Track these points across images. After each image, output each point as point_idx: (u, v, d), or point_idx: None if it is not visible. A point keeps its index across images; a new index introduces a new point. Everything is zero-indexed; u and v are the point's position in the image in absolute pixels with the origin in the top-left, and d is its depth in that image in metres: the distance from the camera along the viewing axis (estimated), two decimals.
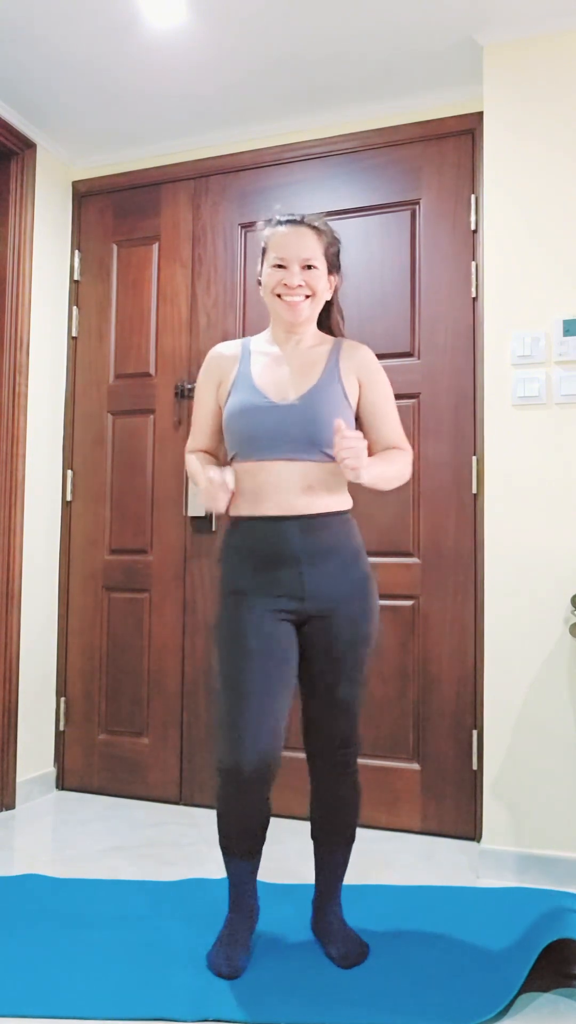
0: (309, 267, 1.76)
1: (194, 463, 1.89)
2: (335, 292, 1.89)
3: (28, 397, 2.98)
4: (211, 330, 3.00)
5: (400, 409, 2.72)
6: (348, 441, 1.62)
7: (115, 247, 3.18)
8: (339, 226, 2.84)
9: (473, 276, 2.68)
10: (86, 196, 3.22)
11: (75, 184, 3.22)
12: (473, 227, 2.69)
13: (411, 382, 2.74)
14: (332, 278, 1.85)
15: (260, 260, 1.84)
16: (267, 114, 2.88)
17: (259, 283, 1.86)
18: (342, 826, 1.86)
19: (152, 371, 3.09)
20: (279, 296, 1.78)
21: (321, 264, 1.78)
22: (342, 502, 1.82)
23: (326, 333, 1.92)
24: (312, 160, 2.90)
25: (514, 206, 2.42)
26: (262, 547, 1.76)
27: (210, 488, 1.71)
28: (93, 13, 2.37)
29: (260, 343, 1.89)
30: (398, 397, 2.75)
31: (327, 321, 1.92)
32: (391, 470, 1.81)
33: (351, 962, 1.79)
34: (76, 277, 3.21)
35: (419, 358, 2.75)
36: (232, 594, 1.79)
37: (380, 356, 2.73)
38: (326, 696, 1.81)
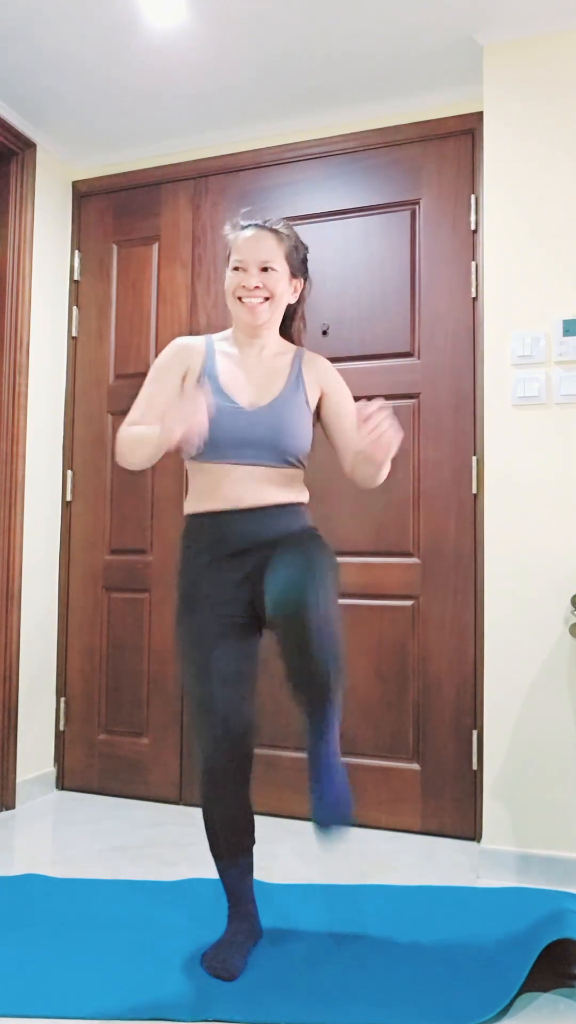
0: (267, 269, 1.78)
1: (139, 428, 1.77)
2: (301, 298, 1.90)
3: (28, 397, 2.98)
4: (211, 330, 3.00)
5: (400, 409, 2.74)
6: (380, 422, 1.55)
7: (115, 247, 3.18)
8: (339, 226, 2.85)
9: (473, 276, 2.68)
10: (86, 196, 3.22)
11: (75, 184, 3.22)
12: (473, 227, 2.69)
13: (411, 382, 2.74)
14: (295, 282, 1.86)
15: (226, 264, 1.85)
16: (267, 114, 2.88)
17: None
18: (317, 690, 1.59)
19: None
20: (239, 299, 1.79)
21: (281, 267, 1.80)
22: (297, 496, 1.83)
23: (287, 340, 1.93)
24: (312, 160, 2.90)
25: (514, 206, 2.42)
26: (214, 541, 1.77)
27: (190, 403, 1.57)
28: (93, 13, 2.37)
29: (223, 344, 1.88)
30: (398, 397, 2.76)
31: (288, 329, 1.93)
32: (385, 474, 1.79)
33: (333, 821, 1.59)
34: (76, 277, 3.22)
35: (419, 358, 2.75)
36: (189, 594, 1.80)
37: (380, 356, 2.77)
38: (275, 568, 1.61)
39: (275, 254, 1.79)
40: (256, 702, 1.83)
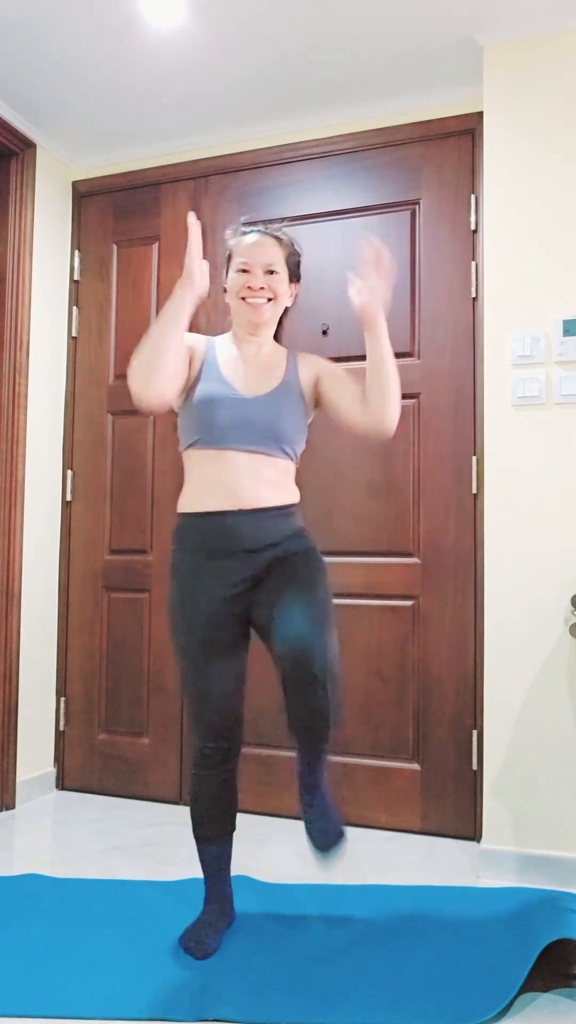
0: (271, 272, 1.88)
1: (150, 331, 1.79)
2: (294, 300, 1.99)
3: (28, 397, 2.98)
4: (211, 330, 3.00)
5: (400, 409, 2.73)
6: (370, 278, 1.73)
7: (115, 247, 3.18)
8: (339, 226, 2.85)
9: (473, 276, 2.68)
10: (86, 196, 3.22)
11: (75, 184, 3.22)
12: (473, 227, 2.69)
13: (411, 382, 2.74)
14: (293, 286, 1.96)
15: (225, 268, 1.95)
16: (267, 114, 2.88)
17: (224, 290, 1.95)
18: (313, 731, 1.68)
19: None
20: (243, 299, 1.88)
21: (282, 270, 1.90)
22: (291, 496, 1.90)
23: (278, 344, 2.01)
24: (312, 160, 2.90)
25: (514, 206, 2.42)
26: (209, 542, 1.83)
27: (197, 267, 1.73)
28: (93, 13, 2.37)
29: (222, 342, 1.96)
30: None
31: (278, 332, 2.02)
32: (392, 361, 1.85)
33: (330, 842, 1.73)
34: (76, 277, 3.22)
35: (419, 358, 2.75)
36: (183, 588, 1.86)
37: None
38: (286, 608, 1.70)
39: (278, 257, 1.89)
40: (244, 695, 1.93)
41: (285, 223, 2.83)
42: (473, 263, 2.68)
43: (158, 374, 1.72)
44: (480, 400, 2.65)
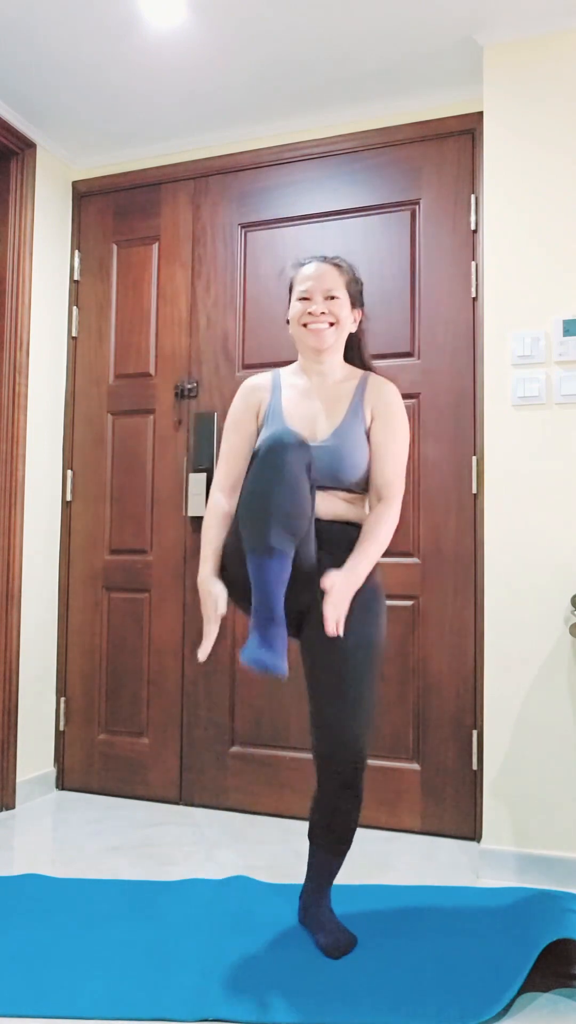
0: (331, 297, 1.90)
1: (211, 529, 1.88)
2: (361, 328, 2.01)
3: (28, 397, 2.98)
4: (211, 330, 3.00)
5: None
6: (330, 607, 1.70)
7: (115, 247, 3.18)
8: (339, 226, 2.85)
9: (473, 276, 2.68)
10: (86, 196, 3.22)
11: (75, 184, 3.22)
12: (473, 227, 2.69)
13: (411, 382, 2.74)
14: (355, 312, 1.97)
15: (287, 300, 1.98)
16: (267, 114, 2.88)
17: (287, 322, 1.97)
18: (340, 833, 1.86)
19: (152, 371, 3.09)
20: (305, 325, 1.90)
21: (343, 296, 1.92)
22: (358, 518, 1.92)
23: (356, 367, 2.02)
24: (312, 160, 2.90)
25: (514, 206, 2.42)
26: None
27: (211, 612, 1.80)
28: (93, 13, 2.37)
29: (289, 375, 1.99)
30: None
31: (356, 356, 2.03)
32: (366, 561, 1.80)
33: (341, 952, 1.82)
34: (76, 277, 3.22)
35: (419, 358, 2.75)
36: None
37: (380, 356, 2.76)
38: (323, 694, 1.81)
39: (338, 283, 1.91)
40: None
41: (285, 224, 2.83)
42: (473, 263, 2.68)
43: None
44: (480, 400, 2.65)
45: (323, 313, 1.89)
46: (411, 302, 2.76)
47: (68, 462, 3.19)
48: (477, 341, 2.67)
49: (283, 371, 2.00)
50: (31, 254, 2.98)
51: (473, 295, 2.68)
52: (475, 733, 2.61)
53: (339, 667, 1.79)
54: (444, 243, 2.73)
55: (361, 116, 2.84)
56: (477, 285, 2.67)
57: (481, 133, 2.65)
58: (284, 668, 1.63)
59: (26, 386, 2.96)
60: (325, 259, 1.94)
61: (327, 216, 2.88)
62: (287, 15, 2.37)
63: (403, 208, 2.79)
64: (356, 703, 1.80)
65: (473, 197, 2.69)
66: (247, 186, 2.98)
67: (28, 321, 2.97)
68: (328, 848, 1.88)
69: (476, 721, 2.61)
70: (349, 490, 1.88)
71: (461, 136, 2.72)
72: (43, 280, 3.07)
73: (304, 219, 2.90)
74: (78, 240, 3.23)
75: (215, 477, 1.96)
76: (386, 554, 2.73)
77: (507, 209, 2.43)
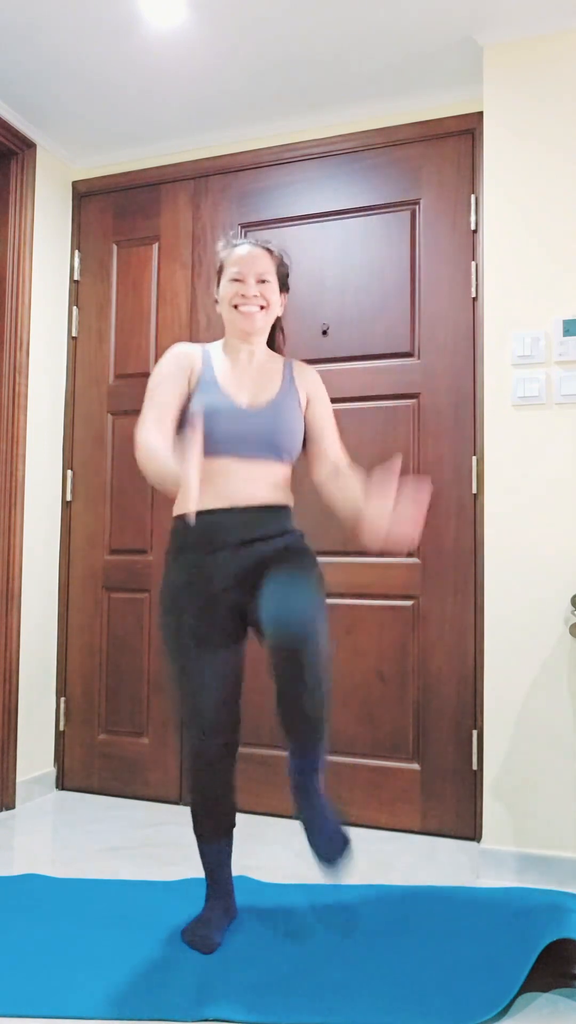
0: (263, 281, 1.93)
1: (158, 451, 1.79)
2: (284, 309, 2.04)
3: (28, 397, 2.98)
4: (211, 330, 3.00)
5: (400, 409, 2.74)
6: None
7: (115, 247, 3.18)
8: (339, 226, 2.85)
9: (473, 276, 2.68)
10: (86, 196, 3.22)
11: (75, 184, 3.22)
12: (473, 227, 2.69)
13: (411, 382, 2.74)
14: (282, 296, 2.01)
15: (216, 278, 2.00)
16: (267, 114, 2.88)
17: (215, 301, 2.00)
18: (305, 722, 1.70)
19: (152, 371, 3.09)
20: (236, 307, 1.93)
21: (273, 280, 1.95)
22: (285, 499, 1.95)
23: (273, 351, 2.06)
24: (312, 160, 2.90)
25: (514, 206, 2.42)
26: (201, 538, 1.86)
27: (189, 491, 1.72)
28: (93, 14, 2.37)
29: (217, 350, 2.00)
30: (398, 397, 2.76)
31: (272, 340, 2.07)
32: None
33: (336, 855, 1.72)
34: (76, 277, 3.22)
35: (419, 358, 2.75)
36: (175, 584, 1.88)
37: (380, 356, 2.78)
38: (274, 590, 1.72)
39: (269, 267, 1.94)
40: (242, 695, 1.94)
41: (285, 224, 2.84)
42: (473, 263, 2.68)
43: (148, 474, 1.81)
44: (480, 400, 2.65)
45: (255, 296, 1.91)
46: (411, 302, 2.76)
47: (68, 462, 3.19)
48: (477, 341, 2.67)
49: (210, 347, 2.00)
50: (31, 254, 2.98)
51: (473, 295, 2.68)
52: (475, 733, 2.61)
53: (286, 574, 1.76)
54: (444, 243, 2.73)
55: (361, 116, 2.84)
56: (477, 285, 2.67)
57: (481, 133, 2.65)
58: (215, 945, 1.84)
59: (26, 386, 2.96)
60: (257, 242, 1.97)
61: (327, 216, 2.88)
62: (287, 15, 2.37)
63: (403, 208, 2.79)
64: (302, 590, 1.72)
65: (473, 197, 2.69)
66: (247, 186, 2.98)
67: (28, 321, 2.97)
68: (298, 732, 1.71)
69: (476, 721, 2.61)
70: (280, 460, 1.90)
71: (461, 136, 2.72)
72: (43, 280, 3.07)
73: (304, 219, 2.90)
74: (78, 240, 3.23)
75: (140, 417, 1.88)
76: (386, 554, 2.74)
77: (507, 209, 2.43)
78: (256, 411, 1.89)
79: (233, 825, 1.96)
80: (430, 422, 2.72)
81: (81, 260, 3.22)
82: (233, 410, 1.87)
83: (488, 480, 2.41)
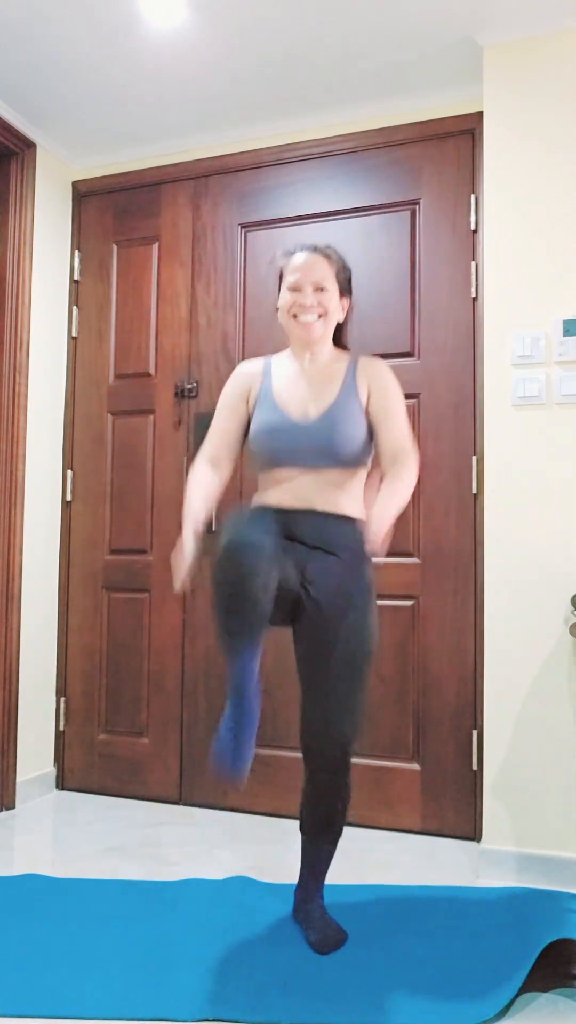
0: (321, 289, 1.91)
1: (194, 501, 1.89)
2: (348, 315, 2.03)
3: (28, 397, 2.98)
4: (211, 330, 3.00)
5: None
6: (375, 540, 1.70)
7: (115, 247, 3.18)
8: (339, 226, 2.85)
9: (473, 276, 2.68)
10: (86, 196, 3.22)
11: (75, 184, 3.22)
12: (473, 227, 2.69)
13: (411, 382, 2.74)
14: (344, 301, 1.99)
15: (278, 287, 1.99)
16: (267, 114, 2.88)
17: (276, 309, 1.99)
18: (329, 821, 1.92)
19: (152, 371, 3.09)
20: (294, 316, 1.92)
21: (332, 287, 1.93)
22: (356, 510, 1.91)
23: (342, 350, 2.04)
24: (312, 160, 2.90)
25: (514, 206, 2.42)
26: (277, 522, 1.85)
27: (180, 563, 1.81)
28: (93, 13, 2.37)
29: (280, 360, 2.02)
30: None
31: (341, 340, 2.05)
32: (397, 500, 1.81)
33: (329, 948, 1.84)
34: (76, 277, 3.22)
35: (419, 358, 2.75)
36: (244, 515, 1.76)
37: (380, 356, 2.75)
38: (313, 684, 1.86)
39: (327, 274, 1.92)
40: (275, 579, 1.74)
41: (285, 224, 2.84)
42: (473, 263, 2.68)
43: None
44: (480, 400, 2.65)
45: (312, 306, 1.90)
46: (411, 302, 2.76)
47: (68, 462, 3.19)
48: (477, 341, 2.67)
49: (275, 357, 2.04)
50: (31, 254, 2.98)
51: (473, 295, 2.68)
52: (475, 733, 2.61)
53: (330, 663, 1.84)
54: (444, 243, 2.73)
55: (361, 116, 2.84)
56: (477, 285, 2.67)
57: (481, 133, 2.65)
58: (244, 778, 1.76)
59: (26, 386, 2.96)
60: (315, 248, 1.95)
61: (327, 216, 2.88)
62: (287, 15, 2.37)
63: (403, 208, 2.79)
64: (345, 700, 1.85)
65: (473, 197, 2.69)
66: (247, 186, 2.98)
67: (28, 321, 2.97)
68: (319, 837, 1.93)
69: (476, 721, 2.61)
70: (344, 466, 1.88)
71: (461, 136, 2.72)
72: (43, 280, 3.07)
73: (304, 219, 2.90)
74: (78, 240, 3.23)
75: (201, 449, 2.01)
76: (386, 554, 2.74)
77: (507, 209, 2.43)
78: (311, 422, 1.88)
79: (263, 627, 1.72)
80: (430, 422, 2.72)
81: (81, 260, 3.22)
82: (288, 425, 1.88)
83: (488, 480, 2.41)
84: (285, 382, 1.95)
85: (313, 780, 1.90)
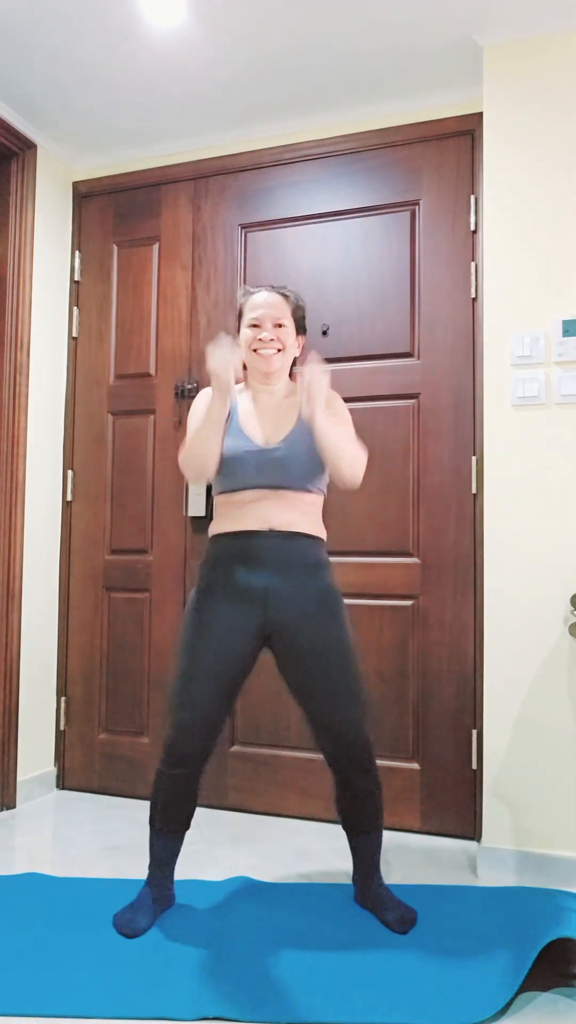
0: (279, 325, 2.06)
1: (203, 414, 2.01)
2: (303, 350, 2.17)
3: (28, 397, 2.98)
4: (211, 330, 3.01)
5: (400, 409, 2.74)
6: (313, 376, 1.85)
7: (115, 248, 3.18)
8: (339, 226, 2.86)
9: (473, 276, 2.68)
10: (86, 197, 3.22)
11: (75, 184, 3.23)
12: (473, 227, 2.69)
13: (411, 382, 2.74)
14: (299, 339, 2.14)
15: (237, 324, 2.13)
16: (267, 114, 2.88)
17: (237, 344, 2.10)
18: (370, 813, 2.04)
19: (152, 371, 3.09)
20: (255, 351, 2.06)
21: (289, 324, 2.08)
22: (315, 530, 2.05)
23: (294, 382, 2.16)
24: (312, 161, 2.90)
25: (514, 207, 2.42)
26: (236, 555, 2.00)
27: (224, 360, 1.88)
28: (93, 14, 2.38)
29: (241, 393, 2.15)
30: (398, 397, 2.77)
31: (295, 375, 2.15)
32: (338, 431, 1.97)
33: (407, 925, 1.95)
34: (76, 278, 3.22)
35: (419, 358, 2.75)
36: (200, 592, 2.03)
37: (380, 356, 2.78)
38: (316, 701, 2.00)
39: (285, 312, 2.07)
40: (235, 703, 2.06)
41: (285, 224, 2.84)
42: (473, 263, 2.69)
43: (206, 470, 1.97)
44: (480, 400, 2.65)
45: (272, 340, 2.04)
46: (411, 302, 2.77)
47: (68, 462, 3.19)
48: (477, 341, 2.67)
49: (235, 388, 2.13)
50: (31, 255, 2.98)
51: (473, 295, 2.68)
52: (475, 733, 2.61)
53: (329, 676, 1.97)
54: (444, 244, 2.73)
55: (361, 117, 2.84)
56: (477, 285, 2.67)
57: (481, 134, 2.65)
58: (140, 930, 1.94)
59: (26, 386, 2.96)
60: (273, 288, 2.09)
61: (327, 217, 2.88)
62: (287, 16, 2.37)
63: (403, 209, 2.80)
64: (354, 701, 1.99)
65: (473, 198, 2.69)
66: (247, 187, 2.99)
67: (28, 321, 2.97)
68: (366, 830, 2.04)
69: (476, 721, 2.62)
70: (303, 489, 2.01)
71: (460, 137, 2.72)
72: (43, 281, 3.07)
73: (304, 220, 2.91)
74: (78, 241, 3.23)
75: (182, 446, 2.10)
76: (386, 554, 2.74)
77: (507, 209, 2.43)
78: (272, 448, 2.01)
79: (188, 827, 2.04)
80: (430, 422, 2.72)
81: (81, 260, 3.22)
82: (255, 449, 2.00)
83: (488, 480, 2.42)
84: (247, 411, 2.09)
85: (351, 785, 2.02)
